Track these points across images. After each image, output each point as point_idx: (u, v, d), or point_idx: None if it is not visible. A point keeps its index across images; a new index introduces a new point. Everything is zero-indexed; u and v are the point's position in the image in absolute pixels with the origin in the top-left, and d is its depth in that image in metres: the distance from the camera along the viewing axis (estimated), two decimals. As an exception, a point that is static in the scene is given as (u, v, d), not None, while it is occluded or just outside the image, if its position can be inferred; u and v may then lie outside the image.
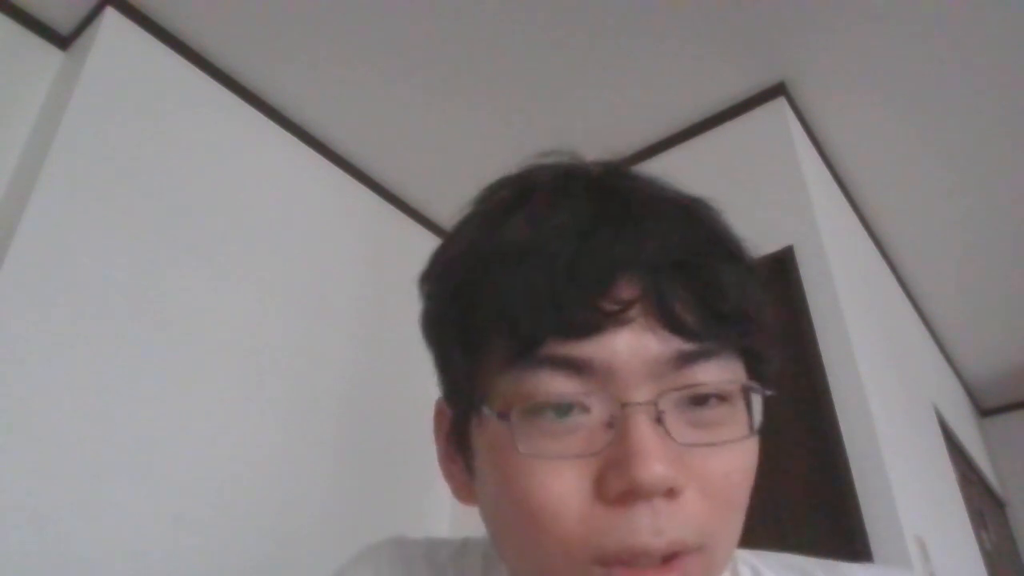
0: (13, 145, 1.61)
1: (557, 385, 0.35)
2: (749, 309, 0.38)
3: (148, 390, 1.49)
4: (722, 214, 0.42)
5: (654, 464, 0.33)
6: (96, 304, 1.46)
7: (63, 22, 1.76)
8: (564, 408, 0.35)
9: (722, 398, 0.37)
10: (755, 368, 0.40)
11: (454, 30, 1.84)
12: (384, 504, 1.93)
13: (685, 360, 0.36)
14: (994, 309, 3.09)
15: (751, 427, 0.38)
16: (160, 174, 1.68)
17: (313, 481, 1.76)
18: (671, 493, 0.34)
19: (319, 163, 2.13)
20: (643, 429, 0.34)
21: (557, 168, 0.42)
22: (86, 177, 1.53)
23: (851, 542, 1.44)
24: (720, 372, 0.37)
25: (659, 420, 0.35)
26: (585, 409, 0.36)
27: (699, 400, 0.36)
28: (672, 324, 0.36)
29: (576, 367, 0.35)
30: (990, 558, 2.64)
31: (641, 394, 0.35)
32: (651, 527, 0.33)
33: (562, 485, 0.35)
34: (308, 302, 1.92)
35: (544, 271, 0.35)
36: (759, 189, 1.95)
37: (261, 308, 1.79)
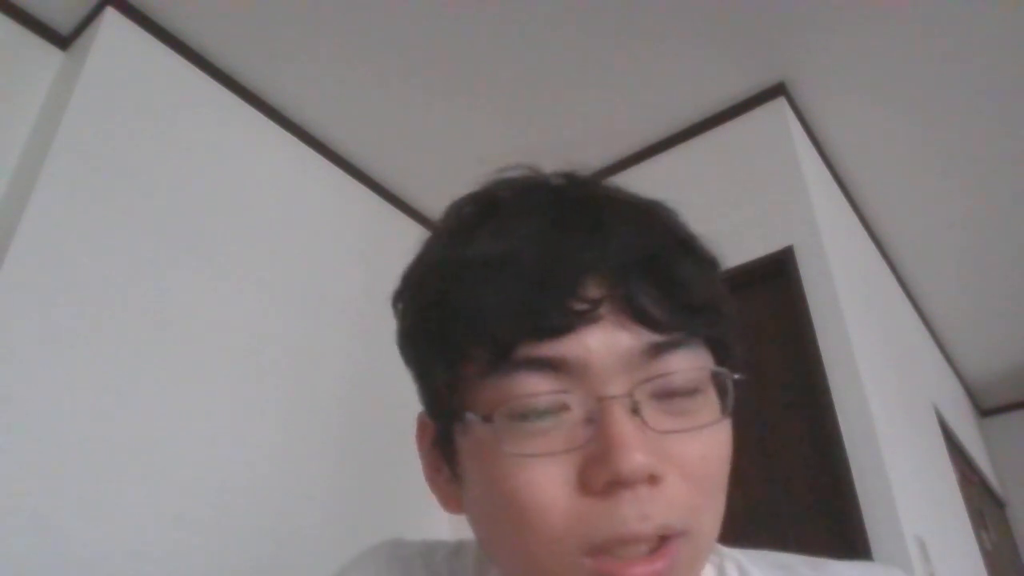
0: (13, 145, 1.61)
1: (535, 385, 0.37)
2: (712, 300, 0.40)
3: (148, 390, 1.49)
4: (679, 215, 0.44)
5: (634, 453, 0.34)
6: (96, 304, 1.46)
7: (63, 22, 1.76)
8: (544, 407, 0.37)
9: (694, 386, 0.39)
10: (722, 356, 0.42)
11: (454, 30, 1.84)
12: (384, 504, 1.93)
13: (656, 351, 0.37)
14: (994, 309, 3.09)
15: (723, 411, 0.40)
16: (160, 174, 1.68)
17: (313, 481, 1.76)
18: (653, 480, 0.35)
19: (319, 163, 2.14)
20: (621, 420, 0.35)
21: (519, 181, 0.43)
22: (86, 177, 1.53)
23: (851, 542, 1.44)
24: (690, 361, 0.39)
25: (635, 411, 0.36)
26: (565, 407, 0.37)
27: (672, 389, 0.38)
28: (641, 317, 0.37)
29: (552, 366, 0.37)
30: (990, 558, 2.64)
31: (616, 387, 0.36)
32: (637, 514, 0.35)
33: (548, 481, 0.36)
34: (308, 302, 1.92)
35: (515, 279, 0.37)
36: (759, 189, 1.95)
37: (261, 308, 1.79)
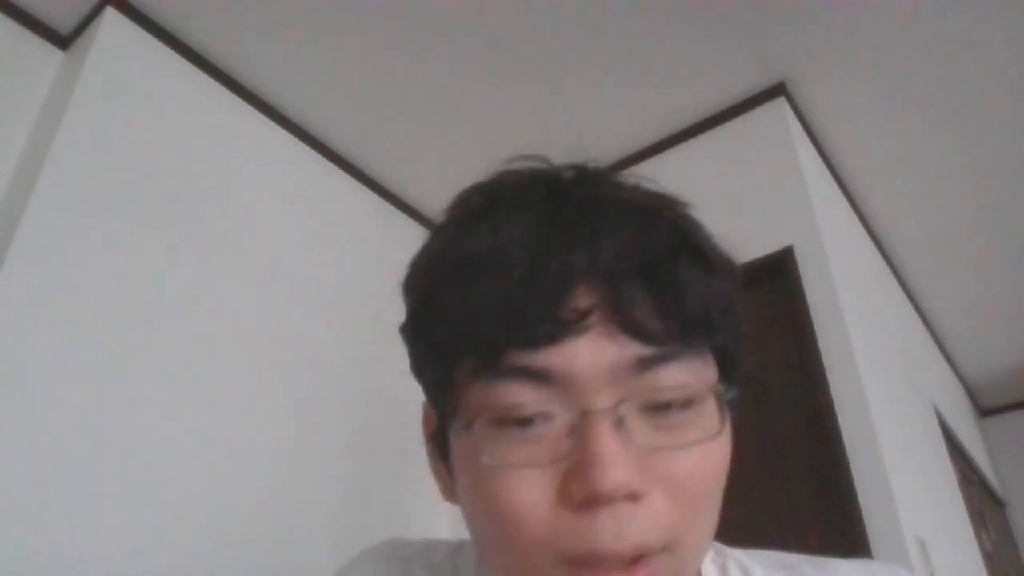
0: (13, 145, 1.61)
1: (519, 395, 0.36)
2: (713, 310, 0.38)
3: (148, 390, 1.49)
4: (692, 215, 0.41)
5: (613, 471, 0.33)
6: (96, 304, 1.46)
7: (63, 22, 1.76)
8: (528, 416, 0.36)
9: (687, 400, 0.37)
10: (726, 365, 0.40)
11: (454, 30, 1.84)
12: (385, 503, 1.93)
13: (645, 365, 0.36)
14: (994, 309, 3.09)
15: (720, 427, 0.38)
16: (160, 174, 1.68)
17: (313, 480, 1.76)
18: (633, 497, 0.34)
19: (319, 163, 2.14)
20: (603, 436, 0.34)
21: (523, 175, 0.42)
22: (86, 177, 1.53)
23: (851, 542, 1.44)
24: (683, 375, 0.37)
25: (620, 425, 0.35)
26: (548, 417, 0.36)
27: (663, 403, 0.36)
28: (631, 329, 0.36)
29: (537, 376, 0.36)
30: (990, 558, 2.64)
31: (601, 400, 0.35)
32: (613, 531, 0.34)
33: (527, 492, 0.35)
34: (308, 301, 1.92)
35: (501, 282, 0.36)
36: (759, 189, 1.95)
37: (261, 308, 1.79)
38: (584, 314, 0.35)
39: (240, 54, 1.88)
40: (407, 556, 0.51)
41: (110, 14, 1.69)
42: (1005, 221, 2.57)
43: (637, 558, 0.34)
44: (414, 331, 0.42)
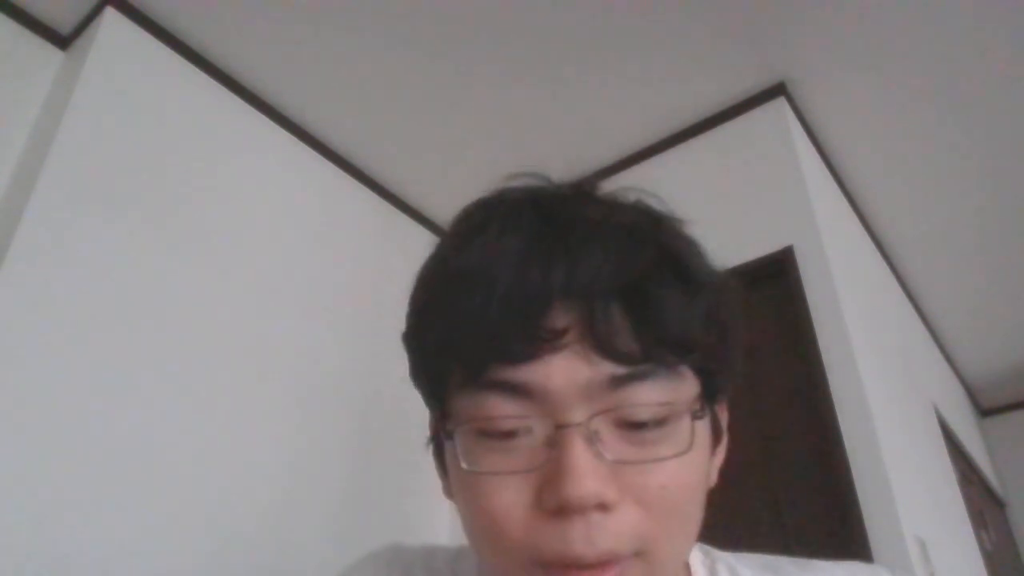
0: (13, 145, 1.61)
1: (501, 408, 0.38)
2: (693, 329, 0.39)
3: (148, 390, 1.49)
4: (683, 232, 0.42)
5: (583, 482, 0.35)
6: (96, 304, 1.46)
7: (63, 22, 1.76)
8: (508, 428, 0.38)
9: (661, 417, 0.38)
10: (709, 381, 0.41)
11: (454, 30, 1.84)
12: (385, 505, 1.93)
13: (618, 383, 0.37)
14: (994, 309, 3.09)
15: (689, 444, 0.39)
16: (160, 174, 1.68)
17: (314, 482, 1.76)
18: (603, 507, 0.36)
19: (319, 163, 2.14)
20: (575, 449, 0.36)
21: (520, 192, 0.43)
22: (86, 176, 1.53)
23: (851, 542, 1.44)
24: (656, 393, 0.38)
25: (593, 439, 0.37)
26: (528, 429, 0.38)
27: (636, 420, 0.38)
28: (604, 350, 0.37)
29: (516, 391, 0.38)
30: (990, 558, 2.64)
31: (575, 415, 0.37)
32: (584, 538, 0.36)
33: (506, 498, 0.38)
34: (309, 302, 1.92)
35: (484, 299, 0.37)
36: (759, 189, 1.95)
37: (262, 308, 1.79)
38: (559, 333, 0.37)
39: (240, 54, 1.88)
40: (408, 561, 0.52)
41: (110, 14, 1.69)
42: (1005, 221, 2.57)
43: (608, 562, 0.36)
44: (410, 340, 0.44)
